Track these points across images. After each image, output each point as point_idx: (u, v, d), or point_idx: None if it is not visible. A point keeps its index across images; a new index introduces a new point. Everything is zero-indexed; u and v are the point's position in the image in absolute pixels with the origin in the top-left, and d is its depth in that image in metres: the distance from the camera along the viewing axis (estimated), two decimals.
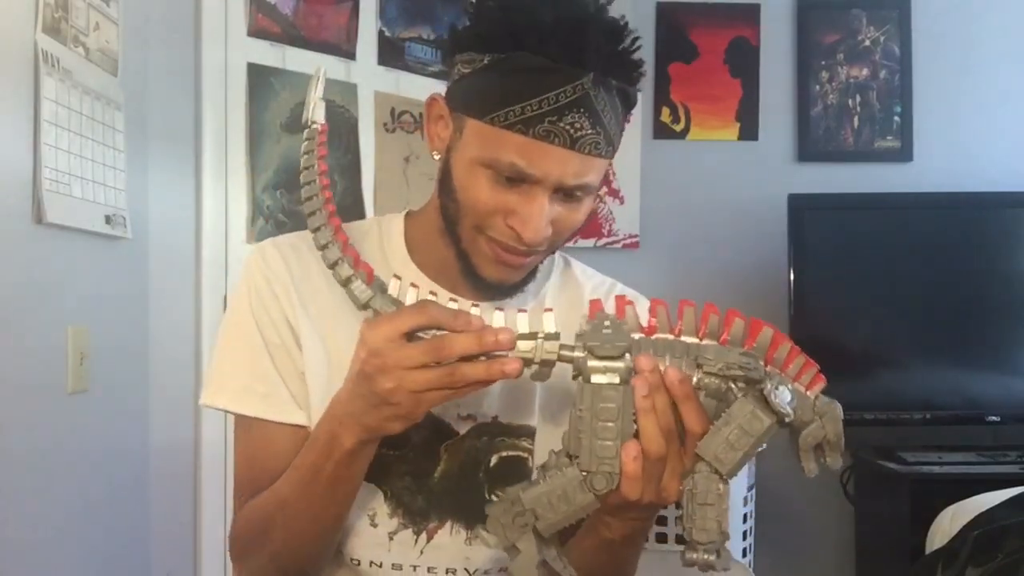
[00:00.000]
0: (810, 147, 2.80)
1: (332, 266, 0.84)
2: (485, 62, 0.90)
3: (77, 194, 1.60)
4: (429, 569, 0.99)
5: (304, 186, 0.88)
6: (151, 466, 1.92)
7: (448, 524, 0.99)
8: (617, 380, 0.76)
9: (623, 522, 0.86)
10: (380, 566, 1.00)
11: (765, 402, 0.75)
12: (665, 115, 2.81)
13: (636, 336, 0.78)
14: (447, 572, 1.00)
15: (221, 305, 2.05)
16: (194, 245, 2.01)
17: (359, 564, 1.00)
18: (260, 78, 2.13)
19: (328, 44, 2.27)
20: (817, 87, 2.81)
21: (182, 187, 2.00)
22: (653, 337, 0.79)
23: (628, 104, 0.93)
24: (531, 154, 0.88)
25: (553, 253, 1.00)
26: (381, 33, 2.38)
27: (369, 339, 0.80)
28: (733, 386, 0.76)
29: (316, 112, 0.88)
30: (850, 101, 2.81)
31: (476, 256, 0.95)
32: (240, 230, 2.10)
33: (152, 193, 1.92)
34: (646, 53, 2.81)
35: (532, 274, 1.04)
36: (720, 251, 2.75)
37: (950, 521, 1.86)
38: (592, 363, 0.77)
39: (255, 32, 2.13)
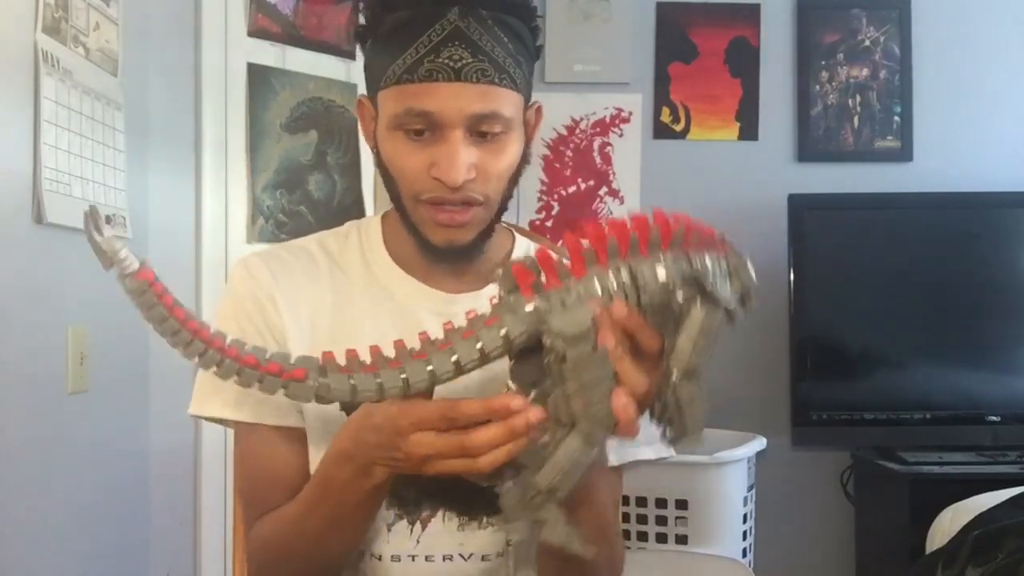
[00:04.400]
0: (810, 147, 2.80)
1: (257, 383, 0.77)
2: (371, 40, 0.96)
3: (77, 194, 1.60)
4: (427, 558, 1.00)
5: (171, 339, 0.75)
6: (151, 466, 1.92)
7: (440, 512, 1.00)
8: (590, 348, 0.75)
9: None
10: (380, 559, 1.01)
11: (710, 298, 0.78)
12: (665, 115, 2.81)
13: (574, 282, 0.78)
14: (444, 559, 1.00)
15: None
16: (194, 245, 2.01)
17: (361, 556, 1.01)
18: (260, 78, 2.14)
19: (328, 44, 2.27)
20: (817, 87, 2.81)
21: (182, 187, 2.00)
22: (588, 275, 0.77)
23: (515, 34, 0.94)
24: (423, 96, 0.91)
25: (499, 212, 0.99)
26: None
27: (402, 428, 0.79)
28: (675, 293, 0.78)
29: (121, 255, 0.71)
30: (850, 101, 2.80)
31: (422, 225, 0.97)
32: (240, 230, 2.10)
33: (152, 193, 1.92)
34: (646, 53, 2.83)
35: (507, 258, 1.05)
36: None
37: (950, 521, 1.87)
38: (563, 341, 0.75)
39: (255, 32, 2.13)
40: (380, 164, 0.99)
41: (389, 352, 0.78)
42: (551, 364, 0.76)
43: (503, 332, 0.77)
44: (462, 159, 0.91)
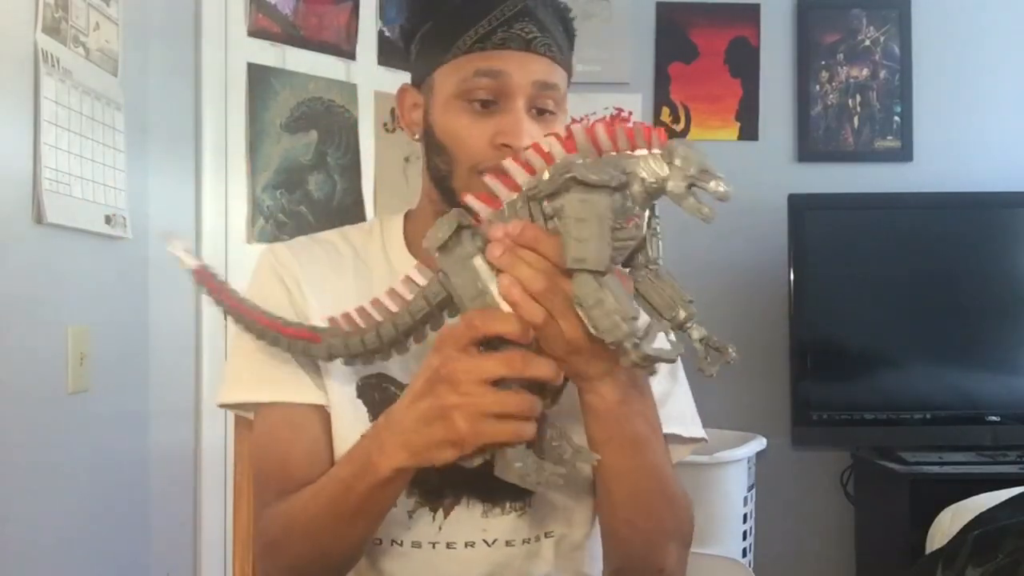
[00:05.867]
0: (810, 147, 2.80)
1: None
2: (431, 23, 1.00)
3: (77, 194, 1.60)
4: (448, 544, 1.00)
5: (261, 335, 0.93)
6: (151, 466, 1.92)
7: (464, 499, 1.00)
8: (459, 263, 0.81)
9: (600, 382, 0.84)
10: (400, 544, 1.00)
11: (584, 184, 0.75)
12: (665, 115, 2.81)
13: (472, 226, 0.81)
14: (466, 545, 1.00)
15: None
16: (194, 245, 2.01)
17: (380, 543, 1.01)
18: (260, 78, 2.13)
19: (328, 44, 2.27)
20: (817, 87, 2.81)
21: (182, 187, 2.00)
22: (503, 207, 0.81)
23: (565, 28, 1.01)
24: (493, 60, 0.96)
25: None
26: (381, 33, 2.38)
27: (442, 345, 0.79)
28: (560, 195, 0.77)
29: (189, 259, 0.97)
30: (850, 101, 2.81)
31: None
32: (240, 230, 2.10)
33: (152, 193, 1.92)
34: (646, 53, 2.83)
35: None
36: (720, 251, 2.75)
37: (950, 521, 1.87)
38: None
39: (255, 32, 2.13)
40: (431, 141, 1.00)
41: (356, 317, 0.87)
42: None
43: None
44: (527, 126, 0.95)
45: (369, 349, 0.86)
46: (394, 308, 0.84)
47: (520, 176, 0.80)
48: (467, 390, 0.77)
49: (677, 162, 0.76)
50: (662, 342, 0.79)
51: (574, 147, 0.79)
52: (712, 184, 0.76)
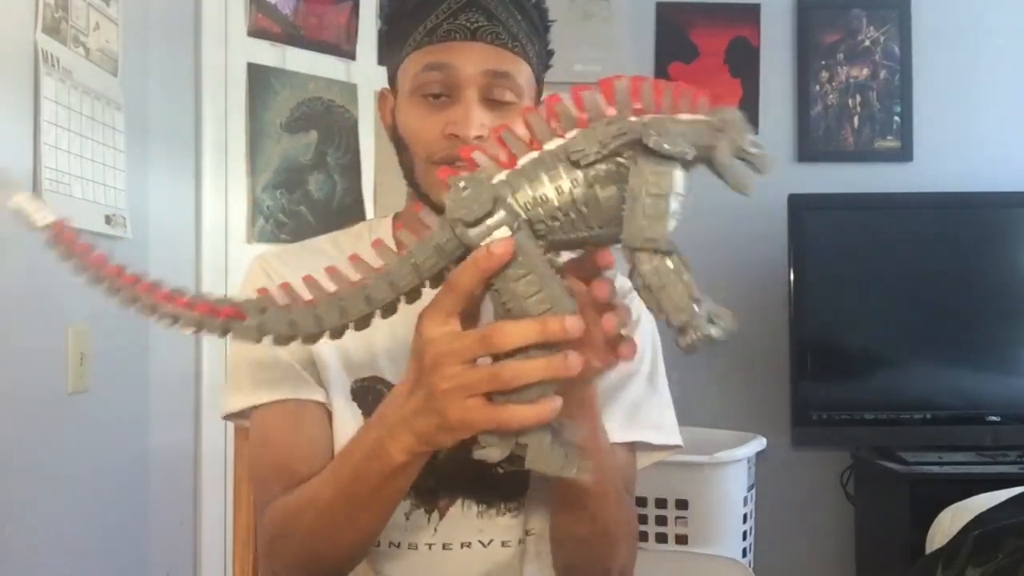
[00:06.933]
0: (810, 147, 2.80)
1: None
2: (390, 25, 1.03)
3: (77, 194, 1.60)
4: (444, 546, 1.00)
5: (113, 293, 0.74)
6: (151, 466, 1.92)
7: (459, 501, 1.00)
8: (508, 232, 0.67)
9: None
10: (398, 546, 1.00)
11: (657, 154, 0.66)
12: None
13: (501, 176, 0.69)
14: (462, 546, 1.00)
15: None
16: (194, 245, 2.01)
17: (378, 546, 1.00)
18: (260, 78, 2.14)
19: (328, 44, 2.27)
20: (817, 87, 2.81)
21: (182, 187, 2.00)
22: (519, 165, 0.69)
23: (527, 15, 0.99)
24: (439, 54, 0.96)
25: None
26: (381, 33, 2.38)
27: (425, 329, 0.72)
28: (621, 160, 0.68)
29: (39, 213, 0.73)
30: (850, 101, 2.81)
31: (432, 189, 0.98)
32: (240, 230, 2.10)
33: (152, 193, 1.92)
34: (646, 53, 2.83)
35: None
36: (720, 251, 2.75)
37: (950, 521, 1.87)
38: (473, 232, 0.68)
39: (255, 32, 2.13)
40: (396, 138, 1.02)
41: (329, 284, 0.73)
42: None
43: (434, 243, 0.70)
44: (476, 115, 0.95)
45: (349, 318, 0.72)
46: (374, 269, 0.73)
47: (542, 134, 0.70)
48: (449, 373, 0.69)
49: (730, 129, 0.68)
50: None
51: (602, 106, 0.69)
52: (759, 160, 0.68)
